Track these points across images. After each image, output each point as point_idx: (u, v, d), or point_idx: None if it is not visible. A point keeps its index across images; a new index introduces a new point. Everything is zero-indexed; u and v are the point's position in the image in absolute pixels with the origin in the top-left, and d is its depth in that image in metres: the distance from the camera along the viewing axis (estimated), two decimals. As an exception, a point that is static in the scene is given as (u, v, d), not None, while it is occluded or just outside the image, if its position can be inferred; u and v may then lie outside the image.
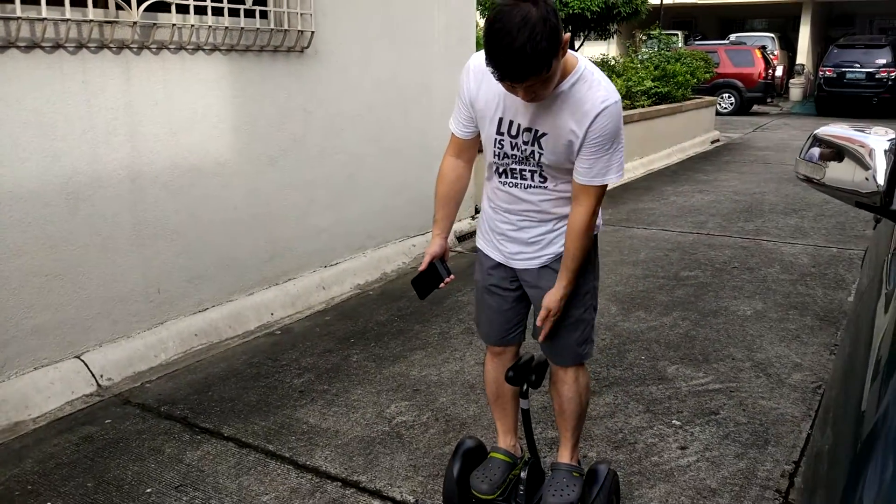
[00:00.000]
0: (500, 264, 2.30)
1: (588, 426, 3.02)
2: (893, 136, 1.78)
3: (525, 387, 2.25)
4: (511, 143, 2.08)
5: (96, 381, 3.38)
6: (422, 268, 2.29)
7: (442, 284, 2.27)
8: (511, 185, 2.15)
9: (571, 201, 2.12)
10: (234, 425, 3.09)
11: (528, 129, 2.03)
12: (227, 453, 2.87)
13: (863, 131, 1.81)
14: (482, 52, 1.94)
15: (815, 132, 1.93)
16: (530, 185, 2.12)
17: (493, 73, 1.82)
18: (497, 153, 2.12)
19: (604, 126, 1.96)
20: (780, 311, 4.30)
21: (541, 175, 2.10)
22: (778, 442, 2.89)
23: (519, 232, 2.21)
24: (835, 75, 17.03)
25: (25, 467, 2.78)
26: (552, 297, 2.17)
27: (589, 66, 2.00)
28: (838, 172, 1.78)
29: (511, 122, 2.05)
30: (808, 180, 1.89)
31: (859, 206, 1.80)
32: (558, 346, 2.30)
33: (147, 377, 3.53)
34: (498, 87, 1.97)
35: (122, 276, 3.56)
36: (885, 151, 1.70)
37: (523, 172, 2.11)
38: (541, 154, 2.04)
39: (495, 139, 2.10)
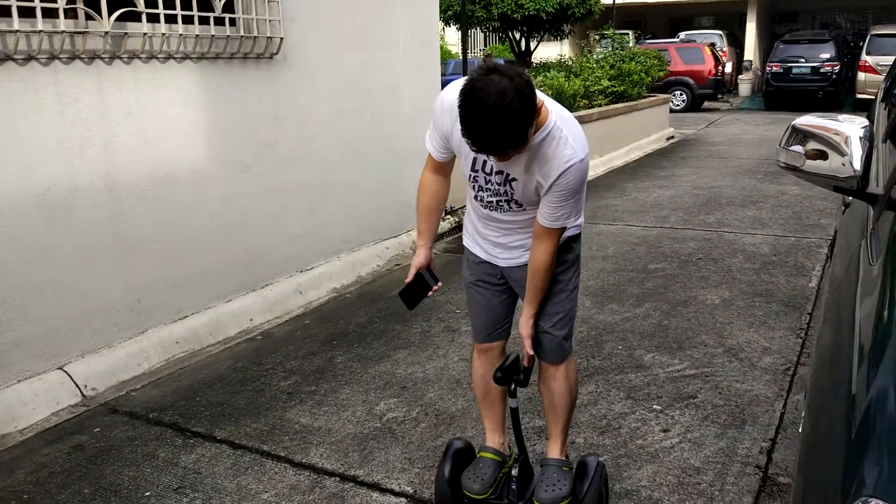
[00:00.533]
0: (485, 260, 2.37)
1: (573, 414, 3.11)
2: (866, 124, 1.89)
3: (513, 386, 2.28)
4: (485, 178, 2.15)
5: (80, 391, 3.37)
6: (408, 279, 2.34)
7: (430, 293, 2.33)
8: (490, 208, 2.22)
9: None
10: (226, 428, 3.11)
11: (500, 172, 2.10)
12: (223, 455, 2.90)
13: (836, 120, 1.93)
14: (452, 88, 2.05)
15: (793, 123, 2.04)
16: (507, 210, 2.19)
17: (468, 143, 1.86)
18: (473, 186, 2.21)
19: (568, 182, 2.02)
20: (747, 299, 4.45)
21: (517, 203, 2.17)
22: (754, 421, 3.02)
23: (502, 237, 2.29)
24: (781, 70, 17.48)
25: (18, 477, 2.78)
26: (526, 324, 2.28)
27: (560, 120, 2.04)
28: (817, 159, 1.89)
29: (485, 162, 2.11)
30: (789, 167, 2.00)
31: (837, 191, 1.91)
32: (550, 344, 2.34)
33: (131, 386, 3.53)
34: None
35: (103, 286, 3.55)
36: (860, 138, 1.81)
37: (500, 202, 2.18)
38: (512, 192, 2.13)
39: (470, 175, 2.18)
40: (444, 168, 2.33)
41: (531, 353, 2.29)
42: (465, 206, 2.46)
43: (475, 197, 2.24)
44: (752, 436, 2.91)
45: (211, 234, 4.15)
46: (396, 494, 2.63)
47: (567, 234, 2.24)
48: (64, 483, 2.74)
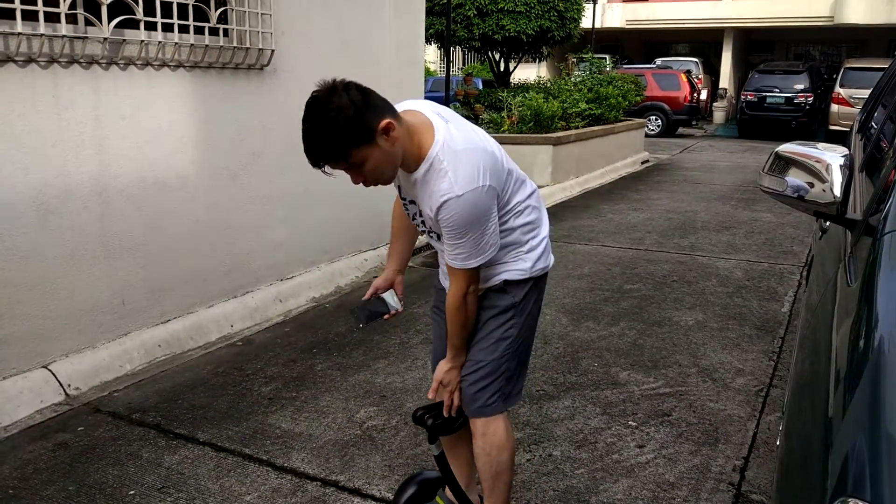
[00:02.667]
0: (442, 287, 2.26)
1: (550, 427, 3.20)
2: (846, 153, 2.01)
3: (427, 430, 2.16)
4: (410, 209, 2.11)
5: (64, 390, 3.39)
6: (365, 297, 2.25)
7: (386, 316, 2.23)
8: (429, 237, 2.14)
9: None
10: (209, 431, 3.15)
11: (413, 202, 2.05)
12: (205, 457, 2.94)
13: (817, 148, 2.04)
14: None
15: (776, 150, 2.15)
16: (435, 239, 2.11)
17: None
18: (409, 215, 2.15)
19: (448, 218, 1.89)
20: (720, 322, 4.59)
21: (435, 234, 2.07)
22: (727, 440, 3.12)
23: (445, 266, 2.15)
24: (756, 99, 17.86)
25: (3, 473, 2.80)
26: (441, 369, 2.14)
27: (446, 152, 1.89)
28: (798, 184, 2.00)
29: (406, 191, 2.06)
30: (771, 192, 2.10)
31: (817, 215, 2.02)
32: (463, 393, 2.15)
33: (114, 386, 3.55)
34: None
35: (89, 287, 3.58)
36: (840, 166, 1.93)
37: (431, 233, 2.09)
38: (425, 221, 2.04)
39: (404, 203, 2.13)
40: None
41: (431, 396, 2.19)
42: None
43: (419, 228, 2.19)
44: (725, 454, 3.02)
45: (196, 240, 4.18)
46: (377, 500, 2.68)
47: (502, 276, 2.10)
48: (49, 479, 2.76)
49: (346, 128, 1.76)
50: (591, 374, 3.79)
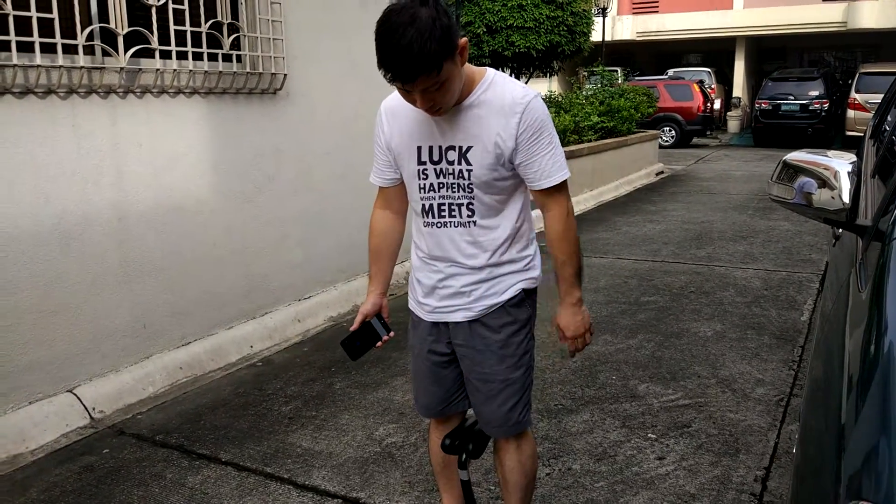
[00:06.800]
0: (434, 324, 2.11)
1: (569, 441, 3.20)
2: (854, 160, 2.02)
3: (464, 456, 2.13)
4: (435, 170, 1.95)
5: (89, 413, 3.45)
6: (353, 327, 2.11)
7: (378, 344, 2.11)
8: (438, 225, 2.00)
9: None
10: (230, 451, 3.19)
11: (452, 147, 1.92)
12: (228, 476, 2.98)
13: (826, 156, 2.05)
14: (390, 95, 2.01)
15: (784, 158, 2.16)
16: (459, 223, 1.98)
17: (384, 75, 1.72)
18: (422, 187, 1.99)
19: (537, 119, 1.87)
20: (739, 332, 4.57)
21: (468, 208, 1.96)
22: (748, 450, 3.11)
23: (449, 280, 2.04)
24: (770, 107, 17.78)
25: (31, 496, 2.85)
26: (565, 321, 2.04)
27: (500, 73, 1.93)
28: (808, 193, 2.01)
29: (431, 148, 1.94)
30: (780, 201, 2.11)
31: (827, 222, 2.02)
32: (491, 415, 2.10)
33: (137, 409, 3.60)
34: (411, 119, 1.95)
35: (111, 311, 3.64)
36: (849, 173, 1.94)
37: (451, 207, 1.97)
38: (469, 171, 1.91)
39: (418, 171, 1.97)
40: (394, 201, 2.14)
41: (572, 357, 2.15)
42: None
43: (423, 211, 2.02)
44: (746, 464, 3.00)
45: (213, 263, 4.24)
46: (400, 517, 2.70)
47: (519, 285, 2.05)
48: (76, 502, 2.81)
49: (443, 37, 1.69)
50: (610, 387, 3.79)
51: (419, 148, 1.95)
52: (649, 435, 3.27)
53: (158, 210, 3.87)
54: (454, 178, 1.93)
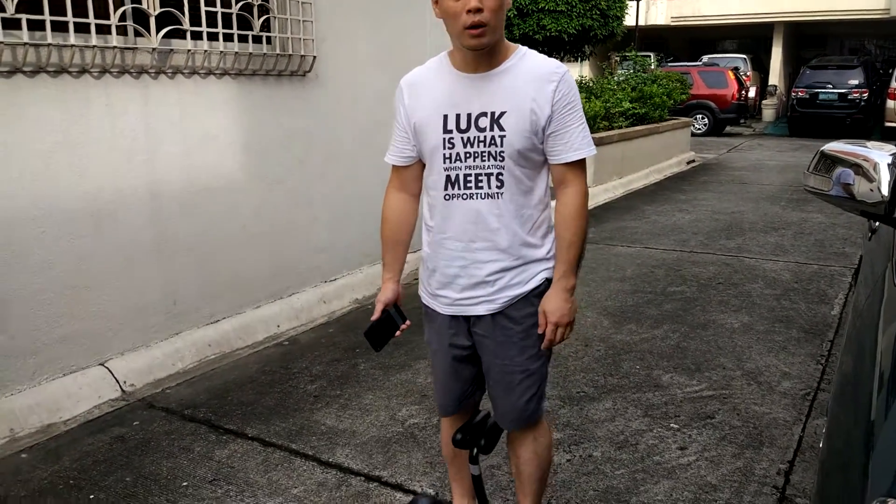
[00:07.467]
0: (453, 317, 2.05)
1: (590, 428, 3.21)
2: (894, 151, 1.97)
3: (475, 451, 2.11)
4: (463, 138, 1.89)
5: (120, 386, 3.55)
6: (374, 317, 2.09)
7: (398, 332, 2.08)
8: (463, 197, 1.92)
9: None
10: (257, 426, 3.26)
11: (484, 114, 1.87)
12: (254, 451, 3.05)
13: (865, 146, 2.00)
14: (409, 73, 2.02)
15: (822, 149, 2.11)
16: (486, 195, 1.91)
17: None
18: (447, 156, 1.91)
19: (569, 92, 1.87)
20: (766, 324, 4.53)
21: (498, 178, 1.89)
22: (772, 443, 3.09)
23: (472, 267, 1.97)
24: (807, 96, 17.42)
25: (64, 464, 2.95)
26: (553, 305, 1.94)
27: (532, 49, 1.95)
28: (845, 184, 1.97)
29: (459, 116, 1.89)
30: (816, 193, 2.07)
31: (864, 215, 1.98)
32: (508, 407, 2.07)
33: (167, 383, 3.69)
34: (437, 88, 1.93)
35: (142, 288, 3.71)
36: (889, 165, 1.89)
37: (479, 177, 1.90)
38: (503, 137, 1.85)
39: (444, 140, 1.90)
40: (409, 184, 2.08)
41: (546, 347, 2.01)
42: None
43: (446, 183, 1.93)
44: (769, 457, 2.99)
45: (243, 243, 4.29)
46: (419, 495, 2.73)
47: (543, 274, 2.00)
48: (107, 471, 2.90)
49: None
50: (633, 376, 3.78)
51: (445, 116, 1.90)
52: (672, 425, 3.26)
53: (190, 190, 3.92)
54: (485, 145, 1.88)
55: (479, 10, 1.76)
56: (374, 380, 3.76)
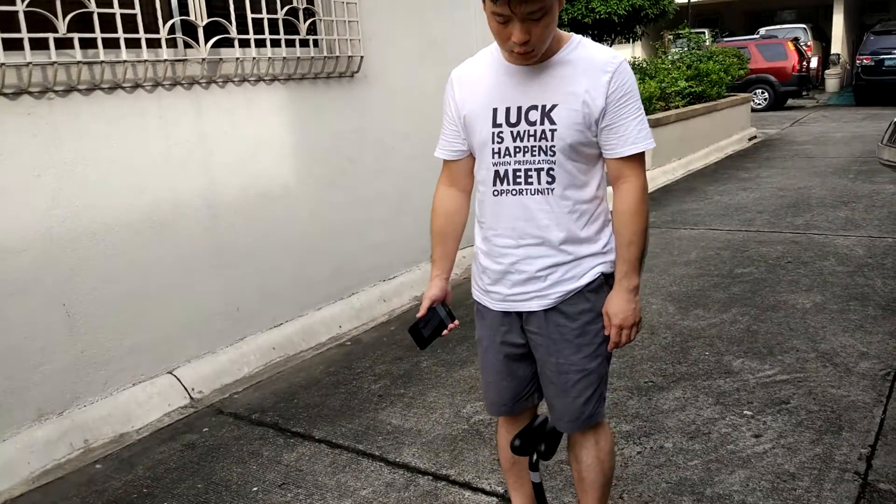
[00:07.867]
0: (505, 313, 1.99)
1: (660, 419, 3.13)
2: None
3: (535, 457, 2.03)
4: (513, 133, 1.83)
5: (189, 394, 3.60)
6: (420, 314, 2.03)
7: (445, 331, 2.02)
8: (513, 192, 1.86)
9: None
10: (323, 428, 3.27)
11: (534, 107, 1.81)
12: (321, 454, 3.06)
13: None
14: (460, 65, 1.96)
15: None
16: (536, 191, 1.84)
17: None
18: (496, 151, 1.86)
19: (626, 82, 1.79)
20: (840, 303, 4.35)
21: (549, 174, 1.83)
22: (852, 427, 2.96)
23: (523, 263, 1.90)
24: (872, 63, 16.75)
25: (138, 473, 3.01)
26: (617, 306, 1.87)
27: (586, 38, 1.87)
28: None
29: (509, 109, 1.83)
30: (892, 165, 1.96)
31: None
32: (565, 409, 1.98)
33: (234, 389, 3.74)
34: (486, 82, 1.87)
35: (205, 296, 3.77)
36: None
37: (528, 173, 1.84)
38: (553, 131, 1.79)
39: (493, 135, 1.85)
40: (460, 179, 2.05)
41: (611, 349, 1.94)
42: None
43: (496, 179, 1.88)
44: (849, 442, 2.86)
45: (301, 246, 4.33)
46: (487, 494, 2.70)
47: (598, 268, 1.91)
48: (179, 478, 2.95)
49: None
50: (702, 363, 3.68)
51: (495, 110, 1.85)
52: (745, 412, 3.15)
53: (246, 196, 3.97)
54: (535, 140, 1.81)
55: (525, 42, 1.71)
56: (436, 377, 3.75)
